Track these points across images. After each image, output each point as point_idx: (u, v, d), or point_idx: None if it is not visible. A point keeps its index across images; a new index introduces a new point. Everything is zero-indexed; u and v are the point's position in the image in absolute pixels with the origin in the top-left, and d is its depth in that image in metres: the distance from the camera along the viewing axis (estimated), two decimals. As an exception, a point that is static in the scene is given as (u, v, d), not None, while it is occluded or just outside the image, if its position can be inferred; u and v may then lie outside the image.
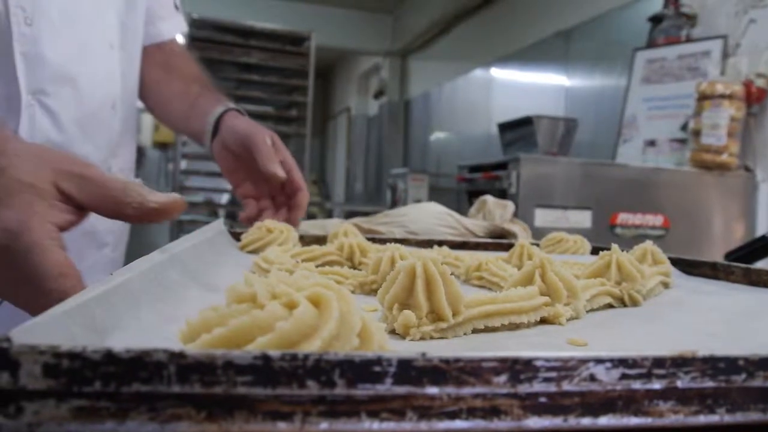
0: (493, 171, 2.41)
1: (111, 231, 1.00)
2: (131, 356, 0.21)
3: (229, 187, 4.39)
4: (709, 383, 0.26)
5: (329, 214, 7.62)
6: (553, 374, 0.24)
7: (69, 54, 0.86)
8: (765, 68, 2.41)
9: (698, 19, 2.77)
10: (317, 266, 0.65)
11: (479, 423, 0.23)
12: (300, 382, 0.22)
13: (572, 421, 0.24)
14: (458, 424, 0.23)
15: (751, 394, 0.27)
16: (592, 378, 0.25)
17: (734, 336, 0.46)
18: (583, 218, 2.29)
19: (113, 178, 0.52)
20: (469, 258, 0.70)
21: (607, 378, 0.25)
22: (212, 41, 3.59)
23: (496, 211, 1.18)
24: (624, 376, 0.25)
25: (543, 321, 0.48)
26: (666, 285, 0.67)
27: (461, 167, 2.74)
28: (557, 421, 0.24)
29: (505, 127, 2.87)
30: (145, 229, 3.71)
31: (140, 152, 4.12)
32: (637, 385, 0.25)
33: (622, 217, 2.29)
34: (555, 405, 0.24)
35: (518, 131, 2.76)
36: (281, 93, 3.87)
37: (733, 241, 2.38)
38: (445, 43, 6.38)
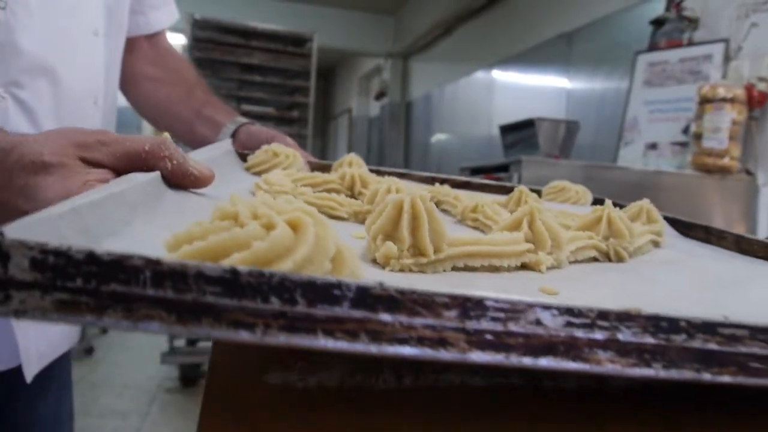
0: (495, 173, 2.41)
1: None
2: (111, 259, 0.23)
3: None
4: (650, 339, 0.28)
5: (330, 215, 7.64)
6: (501, 315, 0.26)
7: (47, 42, 0.78)
8: (767, 72, 2.41)
9: (700, 22, 2.78)
10: (316, 192, 0.65)
11: (427, 351, 0.25)
12: (264, 297, 0.24)
13: (514, 359, 0.26)
14: (407, 350, 0.25)
15: (689, 354, 0.28)
16: (538, 322, 0.26)
17: (706, 300, 0.46)
18: (585, 221, 2.28)
19: (136, 136, 0.51)
20: (468, 199, 0.70)
21: (552, 324, 0.27)
22: (214, 42, 3.60)
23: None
24: (568, 324, 0.27)
25: (524, 267, 0.48)
26: (657, 244, 0.67)
27: (463, 169, 2.74)
28: (499, 357, 0.26)
29: (506, 129, 2.87)
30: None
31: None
32: (579, 333, 0.27)
33: (624, 220, 2.29)
34: (499, 343, 0.26)
35: (520, 133, 2.76)
36: (283, 94, 3.88)
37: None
38: (447, 45, 6.39)
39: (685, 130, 2.60)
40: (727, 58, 2.58)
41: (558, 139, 2.60)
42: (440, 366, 0.37)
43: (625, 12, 3.64)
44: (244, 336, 0.23)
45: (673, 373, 0.28)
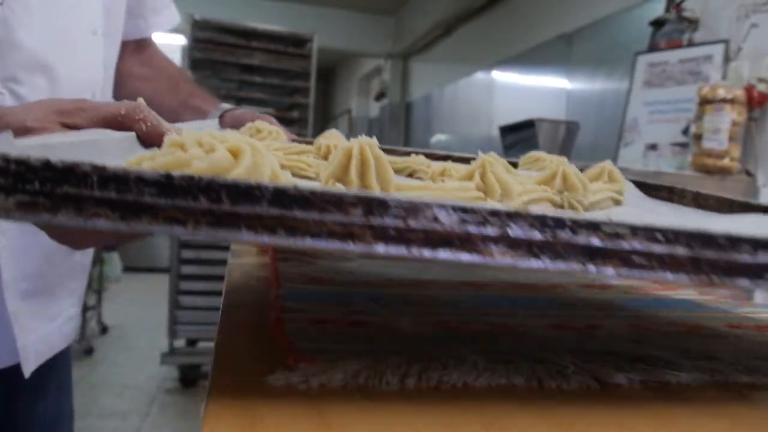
0: (495, 174, 2.41)
1: None
2: (64, 165, 0.26)
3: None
4: (537, 235, 0.31)
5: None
6: (402, 212, 0.29)
7: (46, 39, 0.80)
8: (767, 73, 2.41)
9: (700, 23, 2.78)
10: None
11: (336, 243, 0.29)
12: (194, 197, 0.27)
13: (415, 251, 0.29)
14: (319, 242, 0.28)
15: (575, 249, 0.31)
16: (435, 219, 0.30)
17: None
18: (585, 222, 2.29)
19: (113, 102, 0.54)
20: (439, 166, 0.71)
21: (448, 221, 0.30)
22: (214, 42, 3.60)
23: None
24: (463, 221, 0.30)
25: None
26: (618, 202, 0.68)
27: (463, 170, 2.75)
28: (402, 250, 0.29)
29: (506, 130, 2.88)
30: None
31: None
32: (473, 229, 0.30)
33: (624, 221, 2.29)
34: (401, 237, 0.29)
35: (520, 134, 2.76)
36: (283, 95, 3.88)
37: (734, 245, 2.38)
38: (447, 46, 6.39)
39: (685, 131, 2.60)
40: (727, 59, 2.58)
41: (558, 140, 2.61)
42: (443, 366, 0.37)
43: (625, 13, 3.64)
44: (177, 230, 0.27)
45: (560, 265, 0.31)
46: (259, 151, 0.35)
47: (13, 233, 0.80)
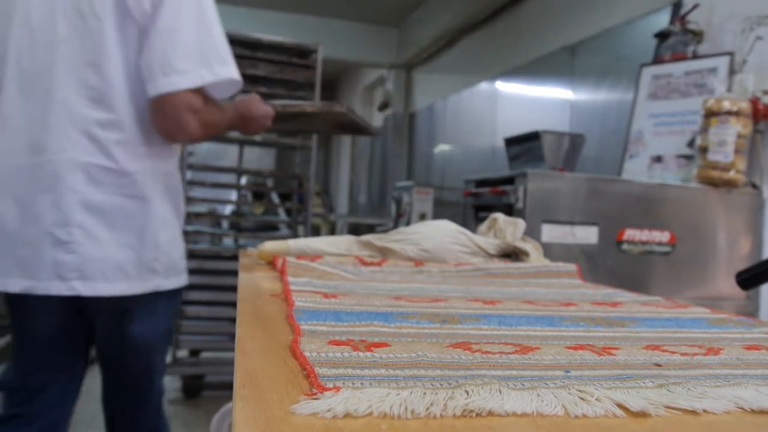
0: (500, 186, 2.40)
1: None
2: None
3: (233, 198, 4.39)
4: None
5: (332, 226, 7.61)
6: None
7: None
8: (772, 85, 2.41)
9: (705, 35, 2.78)
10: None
11: None
12: None
13: None
14: None
15: None
16: None
17: None
18: (590, 234, 2.28)
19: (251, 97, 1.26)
20: None
21: None
22: (219, 53, 3.59)
23: (507, 228, 1.18)
24: None
25: None
26: None
27: (467, 181, 2.74)
28: None
29: (511, 142, 2.87)
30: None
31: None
32: None
33: (629, 234, 2.29)
34: None
35: (525, 146, 2.76)
36: (287, 105, 3.88)
37: (739, 258, 2.38)
38: (450, 57, 6.40)
39: (691, 143, 2.60)
40: (731, 72, 2.58)
41: (563, 152, 2.60)
42: (467, 393, 0.36)
43: (629, 25, 3.65)
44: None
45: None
46: None
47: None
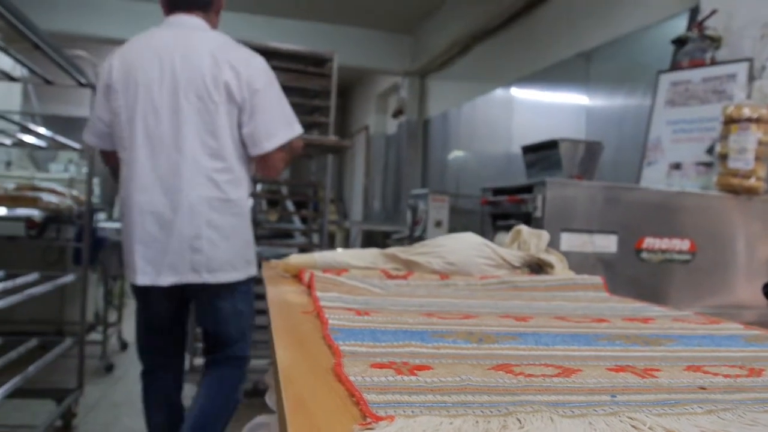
0: (518, 194, 2.40)
1: None
2: None
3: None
4: None
5: (347, 233, 7.62)
6: None
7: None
8: (793, 92, 2.39)
9: (723, 41, 2.76)
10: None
11: None
12: None
13: None
14: None
15: None
16: None
17: None
18: (609, 242, 2.27)
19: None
20: None
21: None
22: (236, 62, 3.61)
23: (531, 240, 1.18)
24: None
25: None
26: None
27: (485, 190, 2.73)
28: None
29: (528, 150, 2.86)
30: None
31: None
32: None
33: (648, 242, 2.27)
34: None
35: (542, 154, 2.75)
36: (303, 113, 3.89)
37: (760, 266, 2.35)
38: (465, 63, 6.40)
39: (710, 151, 2.58)
40: (751, 78, 2.56)
41: (582, 160, 2.59)
42: (520, 422, 0.36)
43: (645, 31, 3.63)
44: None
45: None
46: None
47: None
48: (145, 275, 2.02)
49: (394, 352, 0.51)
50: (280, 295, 0.89)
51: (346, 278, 0.95)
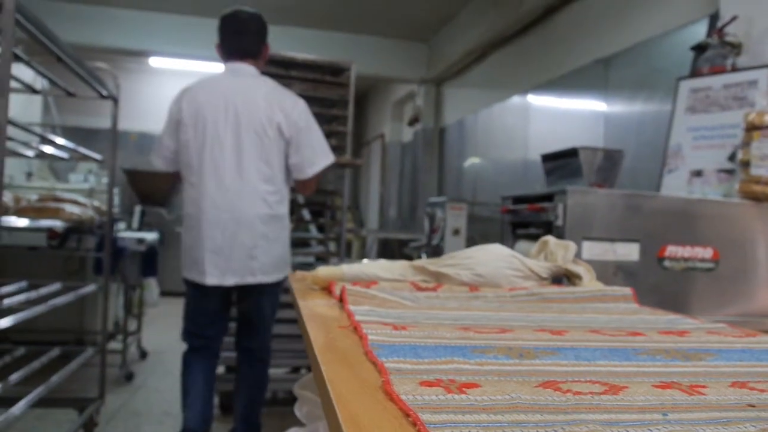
0: (539, 203, 2.39)
1: None
2: None
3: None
4: None
5: (363, 242, 7.62)
6: None
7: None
8: (816, 99, 2.37)
9: (744, 48, 2.75)
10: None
11: None
12: None
13: None
14: None
15: None
16: None
17: None
18: (631, 251, 2.26)
19: None
20: None
21: None
22: (254, 72, 3.64)
23: (558, 251, 1.18)
24: None
25: None
26: None
27: (505, 198, 2.73)
28: None
29: (548, 158, 2.86)
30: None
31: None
32: None
33: (671, 250, 2.26)
34: None
35: (562, 161, 2.74)
36: (321, 122, 3.90)
37: (785, 273, 2.33)
38: (481, 71, 6.40)
39: (732, 157, 2.56)
40: (772, 84, 2.55)
41: (602, 168, 2.58)
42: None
43: (664, 37, 3.62)
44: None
45: None
46: None
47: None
48: (213, 277, 2.52)
49: (439, 369, 0.52)
50: (313, 308, 0.90)
51: (377, 291, 0.96)
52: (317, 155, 2.64)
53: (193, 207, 2.56)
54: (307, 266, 3.75)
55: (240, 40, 2.67)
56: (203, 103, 2.55)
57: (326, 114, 3.89)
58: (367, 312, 0.80)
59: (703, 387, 0.51)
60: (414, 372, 0.50)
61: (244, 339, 2.79)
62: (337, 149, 3.89)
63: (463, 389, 0.46)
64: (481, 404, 0.43)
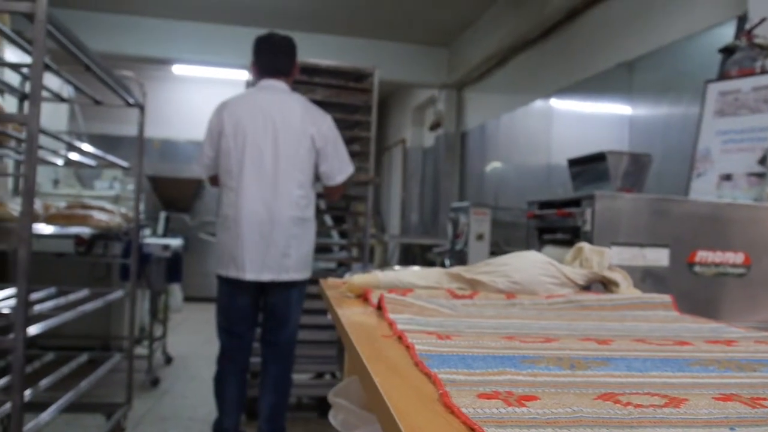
0: (566, 207, 2.37)
1: None
2: None
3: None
4: None
5: (385, 247, 7.62)
6: None
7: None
8: None
9: (773, 50, 2.71)
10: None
11: None
12: None
13: None
14: None
15: None
16: None
17: None
18: (661, 256, 2.24)
19: None
20: None
21: None
22: (278, 79, 3.65)
23: (593, 258, 1.17)
24: None
25: None
26: None
27: (531, 203, 2.71)
28: None
29: (574, 162, 2.84)
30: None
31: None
32: None
33: (701, 255, 2.23)
34: None
35: (589, 166, 2.72)
36: (345, 128, 3.91)
37: (818, 278, 2.29)
38: (502, 75, 6.38)
39: (762, 161, 2.53)
40: (803, 87, 2.51)
41: (630, 173, 2.56)
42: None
43: (689, 40, 3.58)
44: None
45: None
46: None
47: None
48: (251, 273, 2.76)
49: (493, 380, 0.51)
50: (351, 317, 0.90)
51: (413, 298, 0.95)
52: (344, 165, 2.95)
53: (232, 209, 2.79)
54: (330, 272, 3.75)
55: (275, 60, 2.95)
56: (243, 116, 2.82)
57: (349, 119, 3.89)
58: (408, 320, 0.80)
59: (765, 399, 0.50)
60: (469, 383, 0.50)
61: (271, 333, 2.95)
62: (360, 155, 3.89)
63: (523, 402, 0.45)
64: (544, 418, 0.42)
